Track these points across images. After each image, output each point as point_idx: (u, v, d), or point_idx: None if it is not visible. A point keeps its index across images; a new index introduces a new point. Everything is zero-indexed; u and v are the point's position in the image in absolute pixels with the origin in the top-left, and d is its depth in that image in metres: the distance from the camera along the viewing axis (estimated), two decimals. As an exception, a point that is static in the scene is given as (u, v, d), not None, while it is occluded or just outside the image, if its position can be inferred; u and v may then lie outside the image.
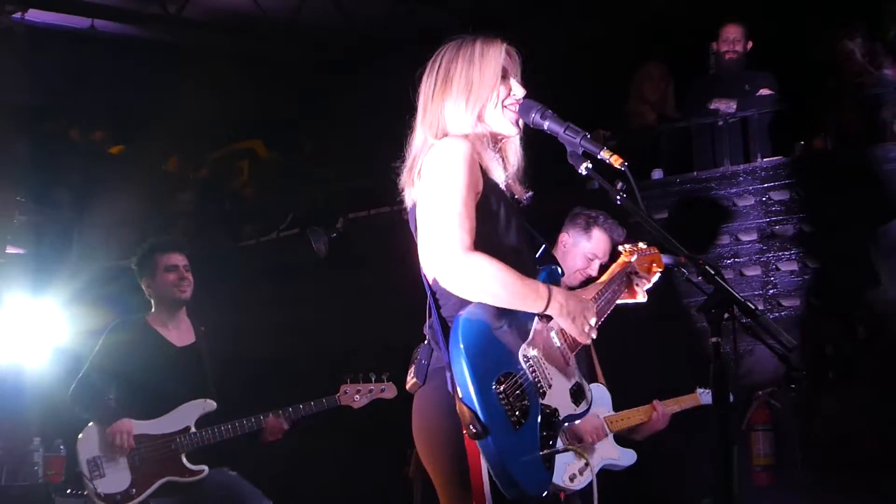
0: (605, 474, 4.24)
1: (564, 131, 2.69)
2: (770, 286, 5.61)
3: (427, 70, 2.80)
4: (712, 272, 2.51)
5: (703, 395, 4.61)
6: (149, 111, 8.91)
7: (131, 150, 9.26)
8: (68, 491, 5.12)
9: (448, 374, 2.49)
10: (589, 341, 2.72)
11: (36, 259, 7.32)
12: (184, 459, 4.56)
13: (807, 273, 5.54)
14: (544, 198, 2.95)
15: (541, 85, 2.88)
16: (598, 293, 2.95)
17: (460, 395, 2.44)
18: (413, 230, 2.74)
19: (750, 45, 6.51)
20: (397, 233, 3.10)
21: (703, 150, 6.31)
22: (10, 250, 6.90)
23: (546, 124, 2.72)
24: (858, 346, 5.25)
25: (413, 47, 2.91)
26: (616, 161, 2.60)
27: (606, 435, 4.27)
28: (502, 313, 2.59)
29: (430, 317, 2.67)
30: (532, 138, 2.86)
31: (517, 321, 2.63)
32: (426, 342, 2.68)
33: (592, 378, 4.28)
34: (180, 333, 4.88)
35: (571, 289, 2.99)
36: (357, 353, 5.99)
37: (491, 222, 2.67)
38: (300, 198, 7.78)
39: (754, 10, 6.73)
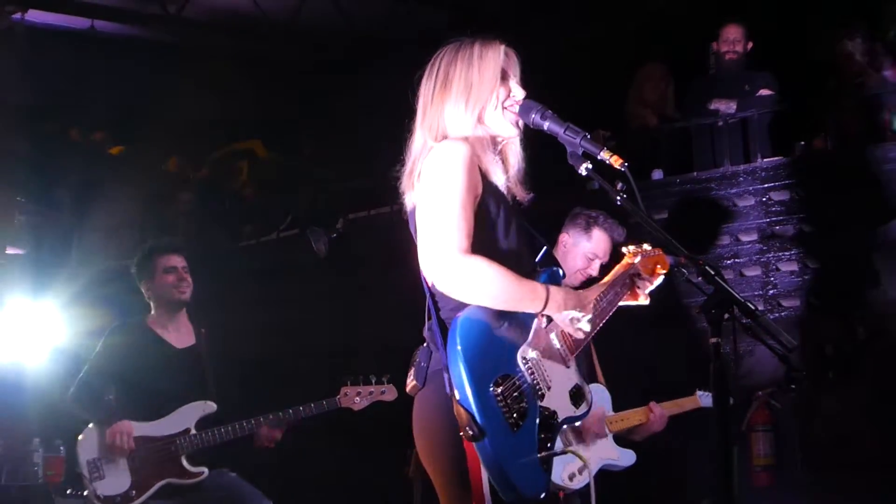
0: (605, 474, 4.24)
1: (564, 132, 2.69)
2: (770, 286, 5.61)
3: (426, 73, 2.80)
4: (712, 272, 2.51)
5: (703, 398, 4.61)
6: (149, 111, 8.90)
7: (131, 150, 9.26)
8: (68, 491, 5.11)
9: (446, 376, 2.49)
10: (581, 335, 2.71)
11: (36, 260, 7.32)
12: (184, 461, 4.56)
13: (807, 273, 5.54)
14: (544, 198, 2.95)
15: (540, 85, 2.88)
16: (599, 294, 2.94)
17: (457, 397, 2.45)
18: (413, 233, 2.74)
19: (750, 45, 6.51)
20: (397, 233, 3.10)
21: (703, 150, 6.31)
22: (10, 251, 6.90)
23: (546, 125, 2.71)
24: (858, 346, 5.25)
25: (413, 47, 2.92)
26: (616, 161, 2.60)
27: (606, 435, 4.27)
28: (501, 315, 2.59)
29: (429, 319, 2.67)
30: (532, 139, 2.86)
31: (517, 323, 2.63)
32: (425, 344, 2.68)
33: (592, 378, 4.28)
34: (180, 335, 4.88)
35: (573, 289, 2.99)
36: (357, 353, 6.00)
37: (490, 225, 2.67)
38: (300, 198, 7.78)
39: (754, 10, 6.73)
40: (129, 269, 4.99)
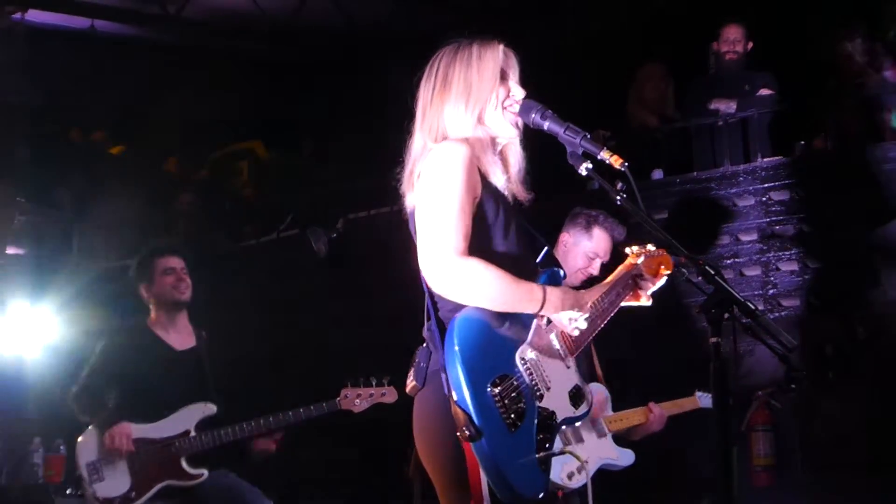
0: (605, 474, 4.24)
1: (564, 131, 2.69)
2: (770, 286, 5.61)
3: (424, 75, 2.80)
4: (712, 272, 2.51)
5: (702, 399, 4.62)
6: (149, 111, 8.92)
7: (131, 150, 9.26)
8: (68, 491, 5.13)
9: (443, 377, 2.50)
10: (576, 333, 2.71)
11: (36, 260, 7.32)
12: (183, 463, 4.56)
13: (807, 273, 5.54)
14: (544, 198, 2.95)
15: (540, 85, 2.88)
16: (600, 295, 2.94)
17: (455, 398, 2.45)
18: (413, 234, 2.74)
19: (750, 45, 6.52)
20: (397, 233, 3.10)
21: (703, 150, 6.31)
22: (11, 251, 6.90)
23: (546, 125, 2.72)
24: (858, 346, 5.24)
25: (413, 47, 2.90)
26: (616, 161, 2.61)
27: (606, 434, 4.28)
28: (500, 315, 2.60)
29: (428, 319, 2.68)
30: (532, 139, 2.86)
31: (516, 323, 2.63)
32: (425, 345, 2.68)
33: (592, 378, 4.28)
34: (180, 337, 4.88)
35: (573, 289, 2.98)
36: (357, 353, 5.99)
37: (489, 226, 2.67)
38: (300, 198, 7.78)
39: (754, 10, 6.73)
40: (129, 271, 4.99)
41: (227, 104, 8.65)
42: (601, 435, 4.25)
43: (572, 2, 7.52)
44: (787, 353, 2.58)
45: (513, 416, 2.49)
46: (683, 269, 3.14)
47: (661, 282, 3.13)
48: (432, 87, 2.77)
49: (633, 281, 3.08)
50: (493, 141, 2.79)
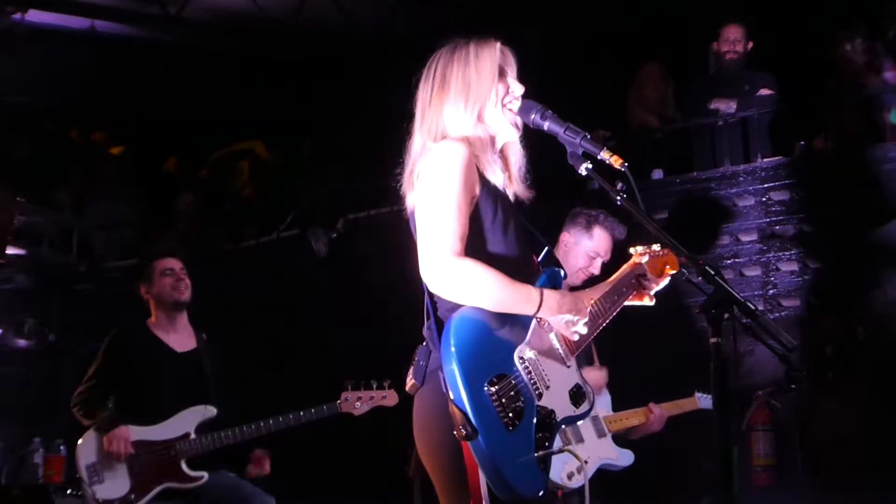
0: (606, 474, 4.24)
1: (564, 132, 2.69)
2: (770, 286, 5.61)
3: (423, 76, 2.80)
4: (712, 272, 2.51)
5: (702, 400, 4.63)
6: (149, 111, 8.92)
7: (131, 150, 9.26)
8: (68, 491, 5.12)
9: (441, 376, 2.50)
10: (576, 337, 2.71)
11: (36, 260, 7.32)
12: (183, 465, 4.55)
13: (807, 273, 5.54)
14: (544, 198, 2.95)
15: (540, 85, 2.88)
16: (603, 295, 2.95)
17: (451, 397, 2.45)
18: (414, 234, 2.74)
19: (750, 45, 6.51)
20: (397, 233, 3.10)
21: (703, 150, 6.31)
22: (10, 251, 6.90)
23: (546, 125, 2.72)
24: (858, 346, 5.24)
25: (413, 47, 2.90)
26: (616, 161, 2.61)
27: (606, 434, 4.28)
28: (499, 315, 2.60)
29: (427, 318, 2.68)
30: (532, 138, 2.86)
31: (515, 323, 2.63)
32: (425, 343, 2.68)
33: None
34: (181, 339, 4.89)
35: (575, 288, 2.99)
36: (357, 353, 5.99)
37: (488, 225, 2.67)
38: (300, 198, 7.78)
39: (754, 10, 6.73)
40: (130, 271, 5.00)
41: (227, 104, 8.66)
42: (601, 435, 4.26)
43: (572, 1, 7.52)
44: (787, 353, 2.58)
45: (511, 414, 2.49)
46: (683, 270, 3.13)
47: (665, 282, 3.13)
48: (430, 88, 2.78)
49: (637, 280, 3.08)
50: (493, 140, 2.79)
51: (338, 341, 6.40)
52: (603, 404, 4.35)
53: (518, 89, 2.78)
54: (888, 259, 5.30)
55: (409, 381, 2.67)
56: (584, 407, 2.71)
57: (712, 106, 6.35)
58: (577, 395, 2.70)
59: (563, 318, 2.65)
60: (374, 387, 4.65)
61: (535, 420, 2.55)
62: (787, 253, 5.60)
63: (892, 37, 6.30)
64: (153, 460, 4.54)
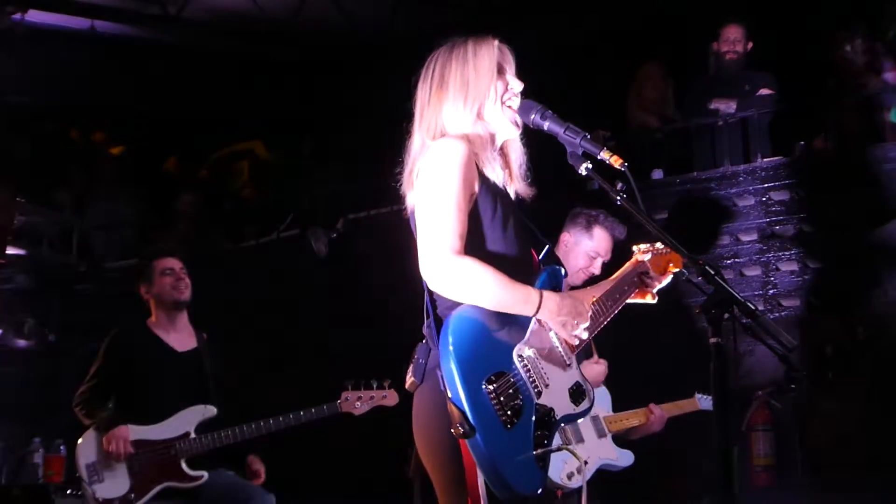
0: (607, 474, 4.24)
1: (564, 132, 2.69)
2: (770, 286, 5.60)
3: (421, 76, 2.81)
4: (712, 272, 2.51)
5: (702, 401, 4.63)
6: (149, 111, 8.92)
7: (131, 150, 9.26)
8: (68, 491, 5.12)
9: (439, 374, 2.50)
10: (576, 342, 2.71)
11: (36, 260, 7.32)
12: (183, 465, 4.56)
13: (807, 273, 5.53)
14: (544, 198, 2.95)
15: (540, 85, 2.88)
16: (605, 293, 2.95)
17: (449, 395, 2.45)
18: (415, 233, 2.74)
19: (750, 45, 6.51)
20: (397, 233, 3.10)
21: (703, 150, 6.31)
22: (10, 251, 6.90)
23: (546, 125, 2.72)
24: (858, 346, 5.24)
25: (413, 47, 2.91)
26: (616, 161, 2.61)
27: (606, 434, 4.28)
28: (499, 313, 2.59)
29: (427, 316, 2.68)
30: (532, 138, 2.86)
31: (515, 322, 2.63)
32: (424, 341, 2.68)
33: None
34: (181, 338, 4.89)
35: (575, 288, 2.98)
36: (357, 353, 5.99)
37: (487, 223, 2.67)
38: (300, 198, 7.78)
39: (754, 10, 6.73)
40: (130, 271, 5.01)
41: (227, 104, 8.66)
42: (601, 435, 4.25)
43: (572, 1, 7.52)
44: (787, 353, 2.58)
45: (509, 412, 2.49)
46: (683, 270, 3.13)
47: (668, 280, 3.13)
48: (429, 87, 2.78)
49: (639, 279, 3.08)
50: (493, 138, 2.79)
51: (338, 341, 6.40)
52: (603, 405, 4.35)
53: (517, 86, 2.78)
54: (888, 259, 5.30)
55: (409, 379, 2.67)
56: (584, 405, 2.70)
57: (712, 106, 6.35)
58: (577, 393, 2.70)
59: (562, 321, 2.65)
60: (375, 386, 4.65)
61: (533, 418, 2.55)
62: (787, 253, 5.60)
63: (892, 37, 6.30)
64: (153, 459, 4.54)
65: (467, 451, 2.46)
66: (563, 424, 2.66)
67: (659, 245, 3.15)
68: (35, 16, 7.51)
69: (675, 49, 7.15)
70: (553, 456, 2.59)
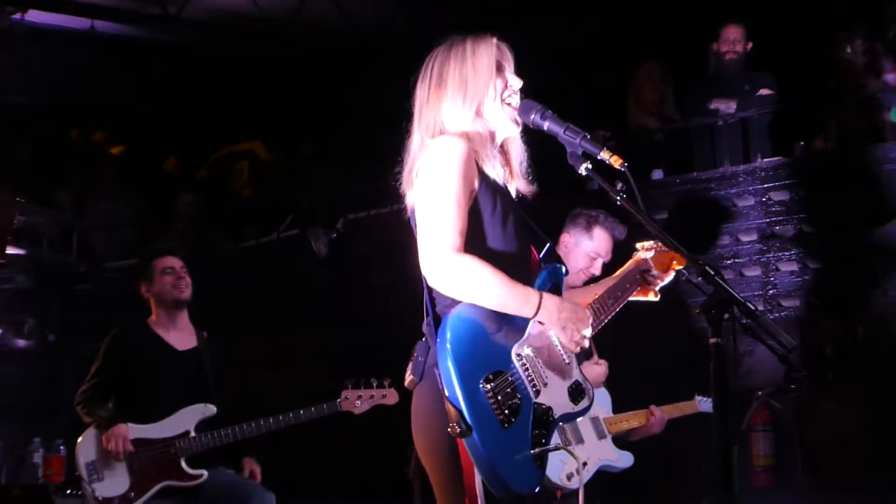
0: (607, 476, 4.24)
1: (564, 132, 2.69)
2: (770, 286, 5.60)
3: (420, 75, 2.81)
4: (712, 272, 2.51)
5: (702, 403, 4.63)
6: (149, 111, 8.92)
7: (131, 150, 9.27)
8: (68, 491, 5.13)
9: (436, 373, 2.50)
10: (578, 350, 2.70)
11: (36, 260, 7.32)
12: (183, 464, 4.56)
13: (807, 273, 5.53)
14: (544, 198, 2.95)
15: (540, 85, 2.88)
16: (607, 290, 2.94)
17: (447, 394, 2.45)
18: (415, 231, 2.74)
19: (750, 45, 6.51)
20: (397, 233, 3.10)
21: (703, 150, 6.31)
22: (10, 251, 6.90)
23: (546, 125, 2.72)
24: (858, 346, 5.24)
25: (413, 47, 2.91)
26: (616, 161, 2.61)
27: (606, 436, 4.28)
28: (498, 312, 2.59)
29: (427, 315, 2.67)
30: (532, 138, 2.86)
31: (514, 321, 2.62)
32: (424, 339, 2.68)
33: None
34: (182, 337, 4.90)
35: (575, 288, 2.98)
36: (357, 353, 5.99)
37: (487, 220, 2.67)
38: (300, 198, 7.78)
39: (754, 10, 6.73)
40: (130, 271, 5.01)
41: (227, 104, 8.66)
42: (601, 436, 4.25)
43: (572, 1, 7.52)
44: (787, 353, 2.58)
45: (506, 411, 2.49)
46: (683, 270, 3.13)
47: (670, 278, 3.12)
48: (428, 86, 2.78)
49: (642, 276, 3.08)
50: (493, 135, 2.80)
51: (338, 341, 6.40)
52: (603, 406, 4.35)
53: (517, 83, 2.78)
54: (888, 259, 5.30)
55: (408, 377, 2.67)
56: (584, 403, 2.70)
57: (712, 106, 6.35)
58: (577, 391, 2.69)
59: (563, 325, 2.64)
60: (375, 385, 4.65)
61: (531, 417, 2.54)
62: (787, 253, 5.59)
63: (893, 37, 6.29)
64: (153, 458, 4.55)
65: (465, 451, 2.46)
66: (562, 423, 2.67)
67: None
68: (35, 16, 7.51)
69: (675, 49, 7.14)
70: (552, 456, 2.59)
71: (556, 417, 2.62)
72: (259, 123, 9.12)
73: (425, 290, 2.68)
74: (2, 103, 7.86)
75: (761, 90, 6.37)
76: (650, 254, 3.12)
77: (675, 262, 3.12)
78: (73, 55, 8.06)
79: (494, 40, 2.79)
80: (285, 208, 7.48)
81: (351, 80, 8.21)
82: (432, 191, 2.62)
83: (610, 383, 4.33)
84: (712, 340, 2.48)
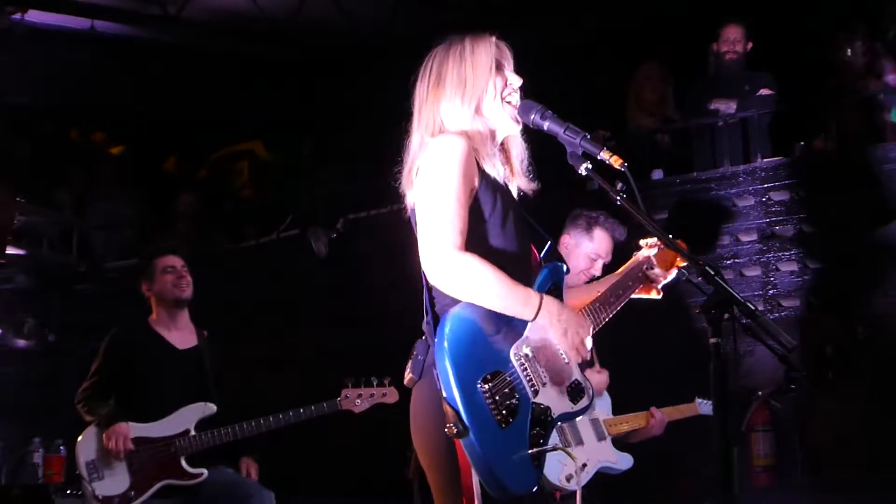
0: (605, 477, 4.24)
1: (564, 132, 2.69)
2: (770, 286, 5.60)
3: (419, 76, 2.81)
4: (712, 273, 2.51)
5: (702, 406, 4.63)
6: (149, 111, 8.92)
7: (131, 150, 9.26)
8: (68, 491, 5.13)
9: (434, 373, 2.50)
10: (579, 359, 2.69)
11: (36, 260, 7.32)
12: (183, 462, 4.57)
13: (807, 273, 5.53)
14: (544, 197, 2.95)
15: (540, 84, 2.88)
16: (609, 287, 2.94)
17: (444, 394, 2.45)
18: (415, 231, 2.73)
19: (750, 45, 6.51)
20: (397, 233, 3.10)
21: (703, 150, 6.31)
22: (10, 251, 6.90)
23: (546, 125, 2.72)
24: (858, 346, 5.24)
25: (413, 47, 2.91)
26: (616, 161, 2.61)
27: (606, 438, 4.27)
28: (496, 312, 2.58)
29: (427, 313, 2.67)
30: (532, 138, 2.86)
31: (512, 321, 2.62)
32: (424, 338, 2.68)
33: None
34: (182, 336, 4.90)
35: (574, 288, 2.97)
36: (357, 353, 5.99)
37: (487, 218, 2.67)
38: (300, 198, 7.78)
39: (754, 10, 6.73)
40: (130, 270, 5.02)
41: (227, 104, 8.66)
42: (601, 438, 4.25)
43: (572, 1, 7.52)
44: (787, 353, 2.58)
45: (504, 412, 2.48)
46: (683, 270, 3.13)
47: (673, 275, 3.12)
48: (427, 85, 2.78)
49: (644, 274, 3.08)
50: (493, 134, 2.79)
51: (338, 341, 6.40)
52: (603, 408, 4.35)
53: (516, 82, 2.78)
54: (888, 259, 5.30)
55: (407, 375, 2.67)
56: (583, 402, 2.69)
57: (712, 106, 6.35)
58: (576, 391, 2.69)
59: (564, 328, 2.64)
60: (375, 384, 4.66)
61: (529, 417, 2.54)
62: (787, 253, 5.59)
63: (893, 37, 6.29)
64: (153, 457, 4.55)
65: (462, 451, 2.46)
66: (561, 423, 2.66)
67: None
68: (35, 16, 7.51)
69: (675, 49, 7.14)
70: (552, 457, 2.59)
71: (554, 417, 2.62)
72: (259, 123, 9.12)
73: (425, 289, 2.68)
74: (2, 103, 7.86)
75: (761, 90, 6.37)
76: (654, 251, 3.11)
77: (677, 260, 3.12)
78: (73, 55, 8.06)
79: (493, 39, 2.79)
80: (285, 208, 7.48)
81: (351, 80, 8.21)
82: (432, 189, 2.62)
83: (610, 384, 4.33)
84: (712, 340, 2.48)
